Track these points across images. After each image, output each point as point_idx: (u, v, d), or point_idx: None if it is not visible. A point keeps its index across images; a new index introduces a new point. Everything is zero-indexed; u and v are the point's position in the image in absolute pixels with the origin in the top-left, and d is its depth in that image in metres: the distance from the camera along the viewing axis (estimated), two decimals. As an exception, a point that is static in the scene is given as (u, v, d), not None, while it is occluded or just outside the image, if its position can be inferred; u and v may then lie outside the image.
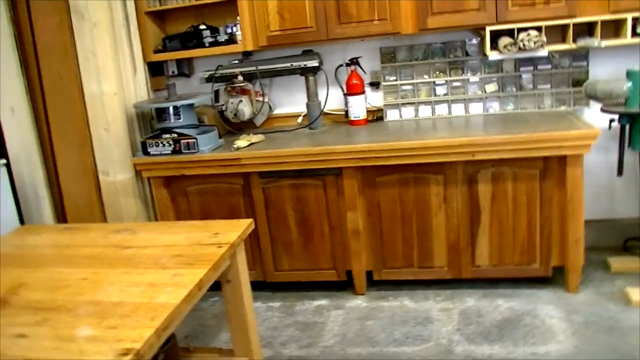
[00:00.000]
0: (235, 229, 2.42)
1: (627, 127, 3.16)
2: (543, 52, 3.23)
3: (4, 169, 3.68)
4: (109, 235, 2.55)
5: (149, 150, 3.43)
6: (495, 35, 3.30)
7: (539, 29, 3.20)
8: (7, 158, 3.76)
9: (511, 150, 3.02)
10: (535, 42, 3.16)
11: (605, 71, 3.49)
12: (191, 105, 3.46)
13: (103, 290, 1.97)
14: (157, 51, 3.77)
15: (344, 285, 3.54)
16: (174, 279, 2.00)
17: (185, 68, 3.97)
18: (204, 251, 2.22)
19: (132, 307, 1.81)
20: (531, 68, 3.55)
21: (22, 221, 3.80)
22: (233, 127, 3.84)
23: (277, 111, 3.99)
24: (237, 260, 2.41)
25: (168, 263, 2.15)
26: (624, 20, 3.12)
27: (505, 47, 3.20)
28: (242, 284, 2.47)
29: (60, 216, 3.92)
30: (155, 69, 3.93)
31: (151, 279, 2.01)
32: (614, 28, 3.26)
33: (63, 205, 3.90)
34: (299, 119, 3.89)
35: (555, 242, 3.20)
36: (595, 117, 3.35)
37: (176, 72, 3.96)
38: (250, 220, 2.50)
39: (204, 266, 2.07)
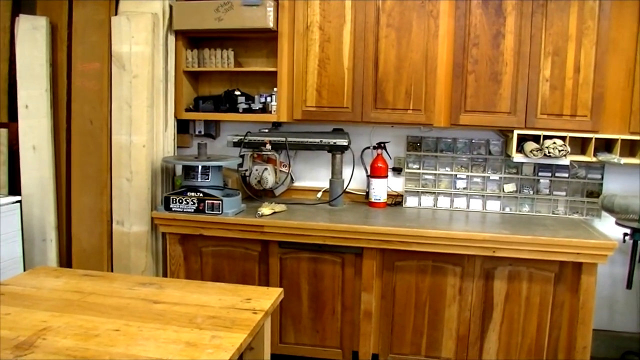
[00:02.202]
0: (267, 297, 2.43)
1: (640, 242, 3.29)
2: (565, 161, 3.38)
3: (18, 207, 3.64)
4: (134, 287, 2.52)
5: (172, 206, 3.43)
6: (520, 139, 3.45)
7: (563, 137, 3.36)
8: (20, 195, 3.73)
9: (531, 251, 3.09)
10: (560, 151, 3.31)
11: (618, 186, 3.65)
12: (220, 167, 3.50)
13: (138, 345, 1.94)
14: (188, 109, 3.84)
15: (348, 366, 3.50)
16: (212, 340, 1.98)
17: (212, 129, 4.03)
18: (240, 315, 2.21)
19: (173, 365, 1.79)
20: (549, 174, 3.69)
21: (24, 262, 3.73)
22: (253, 194, 3.87)
23: (297, 183, 4.05)
24: (264, 328, 2.39)
25: (203, 324, 2.13)
26: (640, 142, 3.32)
27: (531, 151, 3.34)
28: (265, 353, 2.45)
29: (65, 261, 3.85)
30: (180, 127, 3.99)
31: (188, 338, 1.99)
32: (629, 147, 3.44)
33: (69, 251, 3.84)
34: (319, 194, 3.95)
35: (562, 347, 3.23)
36: (606, 230, 3.47)
37: (203, 132, 4.02)
38: (280, 289, 2.51)
39: (243, 331, 2.06)
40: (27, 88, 3.71)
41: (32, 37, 3.68)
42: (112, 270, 3.72)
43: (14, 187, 3.86)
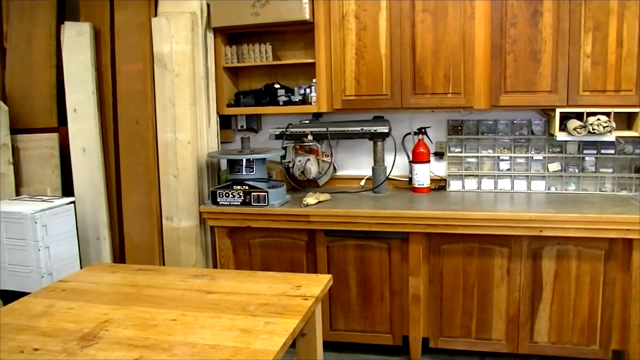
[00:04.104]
0: (317, 283, 2.47)
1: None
2: (611, 137, 3.33)
3: (72, 207, 3.77)
4: (187, 279, 2.59)
5: (219, 200, 3.51)
6: (563, 117, 3.41)
7: (606, 114, 3.31)
8: (73, 196, 3.87)
9: (578, 229, 3.06)
10: (605, 127, 3.26)
11: (667, 160, 3.58)
12: (263, 160, 3.57)
13: (195, 333, 2.00)
14: (229, 105, 3.91)
15: (399, 351, 3.53)
16: (266, 326, 2.03)
17: (254, 123, 4.10)
18: (291, 302, 2.26)
19: (231, 351, 1.84)
20: (595, 151, 3.64)
21: (80, 260, 3.87)
22: (296, 185, 3.93)
23: (340, 172, 4.09)
24: (315, 314, 2.44)
25: (256, 311, 2.18)
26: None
27: (575, 129, 3.30)
28: (317, 338, 2.50)
29: (119, 258, 3.98)
30: (222, 122, 4.06)
31: (243, 325, 2.04)
32: (678, 120, 3.37)
33: (122, 248, 3.97)
34: (362, 182, 3.98)
35: (616, 325, 3.20)
36: (658, 204, 3.41)
37: (245, 127, 4.09)
38: (329, 276, 2.56)
39: (295, 317, 2.11)
40: (75, 92, 3.85)
41: (77, 43, 3.80)
42: (163, 265, 3.82)
43: (67, 189, 4.00)
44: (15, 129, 4.09)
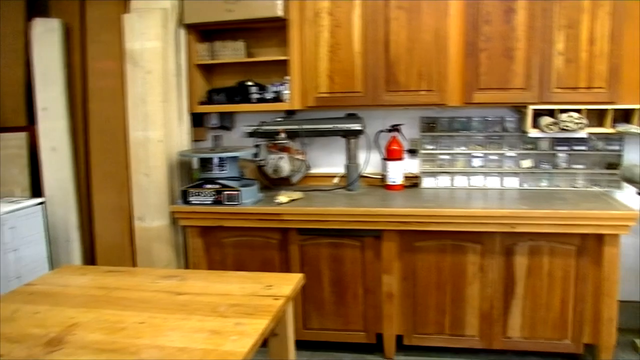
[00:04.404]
0: (288, 283, 2.44)
1: (663, 211, 3.25)
2: (583, 134, 3.35)
3: (41, 208, 3.70)
4: (157, 280, 2.55)
5: (190, 199, 3.47)
6: (535, 114, 3.42)
7: (578, 110, 3.33)
8: (43, 197, 3.79)
9: (551, 225, 3.08)
10: (576, 124, 3.28)
11: (638, 156, 3.61)
12: (236, 158, 3.53)
13: (164, 335, 1.96)
14: (202, 103, 3.86)
15: (373, 349, 3.52)
16: (236, 327, 2.00)
17: (227, 121, 4.06)
18: (262, 302, 2.23)
19: (200, 353, 1.81)
20: (567, 148, 3.66)
21: (50, 262, 3.80)
22: (269, 183, 3.90)
23: (313, 170, 4.07)
24: (286, 314, 2.42)
25: (227, 312, 2.15)
26: (660, 110, 3.29)
27: (547, 126, 3.32)
28: (289, 338, 2.48)
29: (89, 259, 3.92)
30: (196, 120, 4.01)
31: (213, 326, 2.01)
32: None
33: (93, 249, 3.90)
34: (335, 180, 3.96)
35: (588, 319, 3.23)
36: (628, 200, 3.43)
37: (218, 125, 4.04)
38: (301, 275, 2.53)
39: (265, 317, 2.08)
40: (44, 91, 3.77)
41: (47, 39, 3.73)
42: (135, 266, 3.77)
43: (37, 190, 3.92)
44: (-16, 129, 4.01)
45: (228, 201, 3.42)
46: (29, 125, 3.93)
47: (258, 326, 2.00)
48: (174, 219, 3.66)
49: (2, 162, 3.90)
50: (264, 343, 2.07)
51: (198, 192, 3.46)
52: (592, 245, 3.15)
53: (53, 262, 3.83)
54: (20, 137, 3.88)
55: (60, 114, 3.76)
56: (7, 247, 3.47)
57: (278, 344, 2.47)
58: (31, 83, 3.84)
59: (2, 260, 3.47)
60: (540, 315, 3.25)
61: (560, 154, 3.67)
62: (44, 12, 3.88)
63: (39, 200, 3.72)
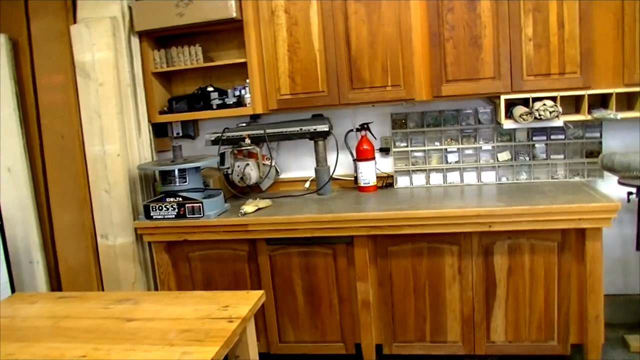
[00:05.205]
0: (246, 302, 2.29)
1: (646, 200, 3.09)
2: (558, 123, 3.19)
3: (-2, 231, 3.54)
4: (109, 305, 2.41)
5: (152, 214, 3.30)
6: (509, 104, 3.26)
7: (553, 98, 3.17)
8: (1, 219, 3.62)
9: (529, 222, 2.91)
10: (551, 112, 3.12)
11: (618, 143, 3.46)
12: (197, 168, 3.36)
13: (103, 371, 1.82)
14: (162, 112, 3.70)
15: (352, 360, 3.37)
16: (182, 357, 1.85)
17: (190, 130, 3.89)
18: (214, 326, 2.08)
19: (136, 391, 1.67)
20: (544, 138, 3.50)
21: (12, 285, 3.63)
22: (238, 191, 3.74)
23: (284, 175, 3.91)
24: (246, 335, 2.26)
25: (175, 339, 2.00)
26: (637, 94, 3.12)
27: (520, 116, 3.15)
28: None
29: (55, 281, 3.76)
30: (159, 130, 3.86)
31: (157, 357, 1.87)
32: (626, 100, 3.24)
33: (58, 270, 3.74)
34: (307, 184, 3.80)
35: (574, 318, 3.07)
36: (610, 189, 3.29)
37: (181, 134, 3.88)
38: (261, 292, 2.37)
39: (215, 344, 1.93)
40: (-5, 109, 3.60)
41: (-7, 55, 3.56)
42: (102, 285, 3.61)
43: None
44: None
45: (191, 214, 3.26)
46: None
47: (206, 355, 1.85)
48: (138, 235, 3.50)
49: (-42, 185, 3.74)
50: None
51: (160, 207, 3.30)
52: (573, 241, 2.99)
53: (17, 285, 3.66)
54: (-26, 158, 3.72)
55: (14, 132, 3.59)
56: (-37, 275, 3.31)
57: (240, 368, 2.32)
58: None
59: (-43, 288, 3.31)
60: (523, 316, 3.09)
61: (538, 145, 3.51)
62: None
63: (-3, 222, 3.56)
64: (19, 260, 3.70)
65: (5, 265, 3.55)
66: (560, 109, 3.13)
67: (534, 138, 3.52)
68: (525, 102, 3.23)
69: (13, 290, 3.58)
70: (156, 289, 3.60)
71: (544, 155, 3.52)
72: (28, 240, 3.68)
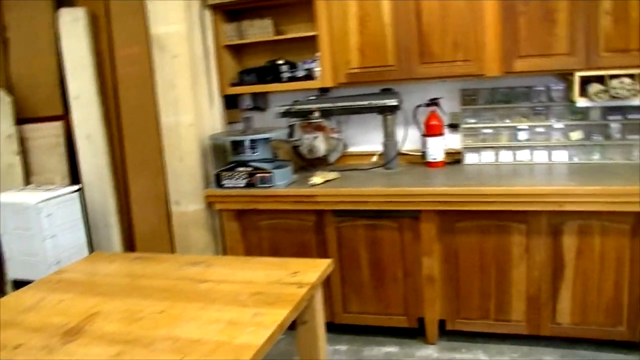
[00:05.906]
0: (315, 269, 2.35)
1: None
2: (636, 102, 3.08)
3: (78, 195, 3.73)
4: (183, 267, 2.52)
5: (223, 182, 3.41)
6: (584, 81, 3.17)
7: (631, 76, 3.06)
8: (81, 184, 3.82)
9: (602, 203, 2.84)
10: (629, 90, 3.02)
11: (700, 123, 3.31)
12: (268, 139, 3.44)
13: (180, 326, 1.93)
14: (233, 84, 3.78)
15: (415, 333, 3.39)
16: (254, 318, 1.93)
17: (260, 102, 3.96)
18: (285, 291, 2.15)
19: (213, 345, 1.77)
20: (620, 117, 3.38)
21: (90, 247, 3.83)
22: (306, 163, 3.79)
23: (351, 149, 3.93)
24: (315, 301, 2.33)
25: (247, 301, 2.09)
26: None
27: (596, 94, 3.07)
28: (318, 326, 2.40)
29: (129, 244, 3.93)
30: (230, 102, 3.94)
31: (230, 317, 1.96)
32: None
33: (132, 234, 3.91)
34: (374, 158, 3.81)
35: (644, 304, 3.00)
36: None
37: (251, 106, 3.96)
38: (329, 260, 2.44)
39: (286, 307, 2.00)
40: (75, 80, 3.78)
41: (73, 29, 3.72)
42: (174, 251, 3.75)
43: (76, 177, 3.95)
44: (23, 119, 4.06)
45: (261, 184, 3.34)
46: (65, 114, 3.96)
47: (277, 317, 1.93)
48: (208, 203, 3.61)
49: (42, 151, 3.95)
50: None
51: (231, 176, 3.40)
52: (648, 224, 2.91)
53: (93, 247, 3.87)
54: (57, 126, 3.92)
55: (92, 102, 3.76)
56: (45, 234, 3.53)
57: (306, 332, 2.40)
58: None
59: (40, 246, 3.52)
60: (591, 299, 3.03)
61: (613, 124, 3.40)
62: (70, 3, 3.87)
63: (75, 187, 3.75)
64: (97, 224, 3.90)
65: (84, 227, 3.75)
66: (639, 87, 3.02)
67: (609, 117, 3.41)
68: (600, 80, 3.13)
69: (91, 251, 3.78)
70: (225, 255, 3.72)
71: (619, 136, 3.41)
72: (104, 205, 3.86)
